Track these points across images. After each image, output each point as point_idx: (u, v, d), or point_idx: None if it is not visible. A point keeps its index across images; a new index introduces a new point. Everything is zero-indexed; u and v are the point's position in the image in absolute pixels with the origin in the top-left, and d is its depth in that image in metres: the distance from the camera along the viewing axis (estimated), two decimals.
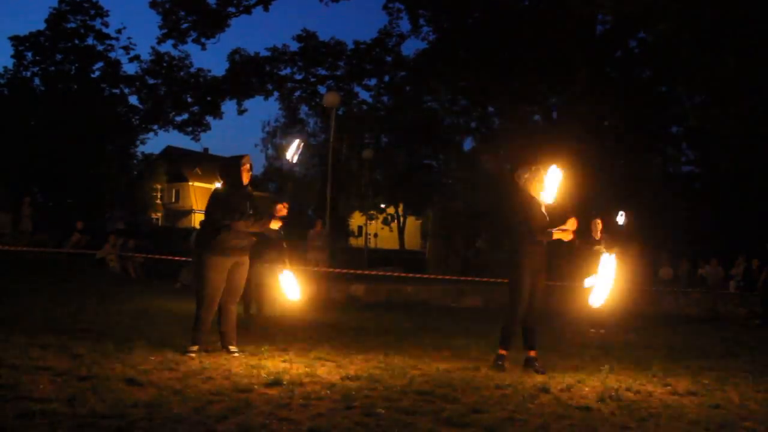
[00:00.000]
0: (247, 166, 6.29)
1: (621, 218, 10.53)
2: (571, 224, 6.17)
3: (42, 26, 28.93)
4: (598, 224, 10.46)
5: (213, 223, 6.14)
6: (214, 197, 6.29)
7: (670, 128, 24.51)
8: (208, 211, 6.28)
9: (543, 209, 6.22)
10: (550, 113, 22.04)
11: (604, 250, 10.17)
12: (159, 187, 51.10)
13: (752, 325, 13.32)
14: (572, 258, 10.46)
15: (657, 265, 19.61)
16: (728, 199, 23.00)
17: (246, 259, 6.32)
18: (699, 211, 24.35)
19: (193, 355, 5.92)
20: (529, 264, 6.14)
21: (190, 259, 11.53)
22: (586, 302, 6.64)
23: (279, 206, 8.05)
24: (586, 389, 5.33)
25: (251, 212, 6.16)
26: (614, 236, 10.40)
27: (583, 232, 10.46)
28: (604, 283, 6.37)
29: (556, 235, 6.12)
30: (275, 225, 6.28)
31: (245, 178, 6.27)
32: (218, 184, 6.71)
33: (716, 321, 14.00)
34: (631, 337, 9.62)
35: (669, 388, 5.58)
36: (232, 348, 6.24)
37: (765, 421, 4.55)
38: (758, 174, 19.46)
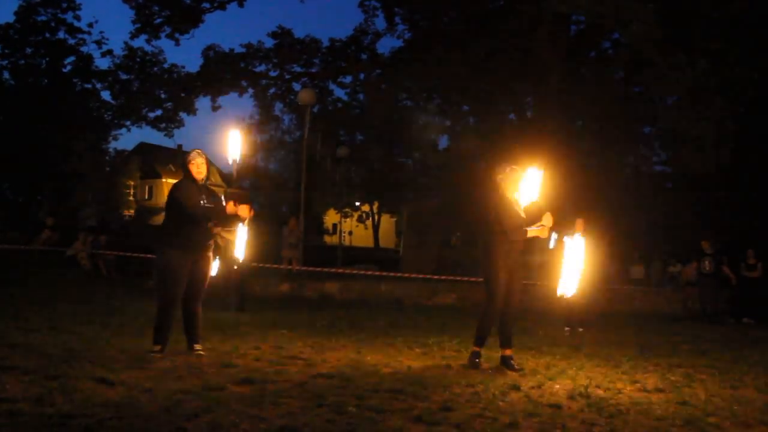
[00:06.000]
0: (198, 160, 6.07)
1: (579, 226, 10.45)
2: (547, 220, 6.14)
3: (11, 19, 28.47)
4: (580, 224, 10.31)
5: (171, 217, 6.04)
6: (170, 192, 6.11)
7: (642, 128, 24.78)
8: (166, 206, 6.17)
9: (518, 208, 6.20)
10: (525, 112, 22.17)
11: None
12: (132, 183, 50.62)
13: (723, 321, 13.57)
14: (551, 256, 10.38)
15: (628, 263, 19.84)
16: (698, 199, 23.30)
17: (207, 256, 6.09)
18: (670, 210, 24.65)
19: (156, 355, 5.79)
20: (504, 263, 6.13)
21: None
22: (558, 294, 6.59)
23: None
24: (557, 387, 5.38)
25: (207, 204, 5.96)
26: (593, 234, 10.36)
27: (561, 231, 10.44)
28: (573, 270, 6.36)
29: (532, 233, 6.14)
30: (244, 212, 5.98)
31: (196, 173, 6.04)
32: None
33: (686, 319, 14.20)
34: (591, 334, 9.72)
35: (638, 385, 5.66)
36: (197, 347, 6.06)
37: (730, 416, 4.63)
38: (728, 174, 19.75)
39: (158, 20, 21.29)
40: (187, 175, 6.06)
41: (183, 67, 23.45)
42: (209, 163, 6.37)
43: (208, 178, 6.24)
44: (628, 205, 23.17)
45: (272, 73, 23.29)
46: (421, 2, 20.96)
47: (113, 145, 33.42)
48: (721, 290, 14.53)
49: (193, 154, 6.11)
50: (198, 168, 6.06)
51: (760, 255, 14.99)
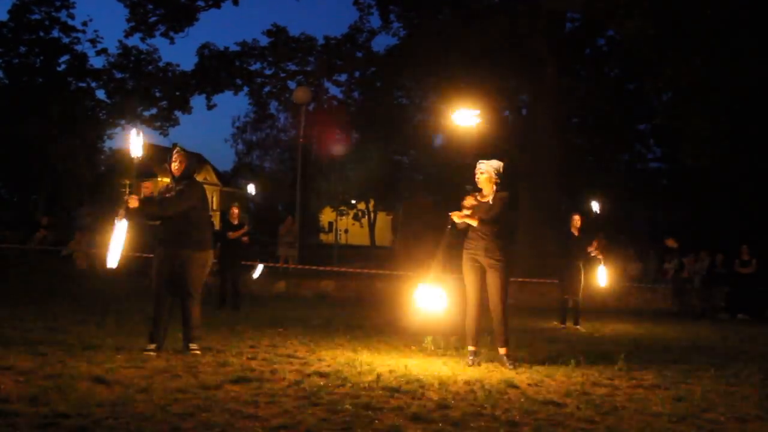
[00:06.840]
0: (174, 156, 6.20)
1: (595, 206, 10.66)
2: (467, 202, 6.24)
3: (5, 17, 28.36)
4: (577, 221, 10.34)
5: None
6: None
7: (637, 125, 24.84)
8: None
9: (478, 202, 6.27)
10: (520, 110, 22.18)
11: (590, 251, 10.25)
12: (127, 182, 50.48)
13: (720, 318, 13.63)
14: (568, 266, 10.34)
15: (625, 260, 19.86)
16: (694, 196, 23.35)
17: (192, 254, 6.01)
18: (666, 207, 24.72)
19: (152, 354, 5.80)
20: (465, 258, 6.29)
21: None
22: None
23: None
24: (553, 384, 5.38)
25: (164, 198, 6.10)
26: (592, 231, 10.44)
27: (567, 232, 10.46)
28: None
29: (459, 218, 6.19)
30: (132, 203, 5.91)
31: (172, 169, 6.17)
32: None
33: (681, 315, 14.24)
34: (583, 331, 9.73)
35: (634, 381, 5.66)
36: (193, 346, 6.06)
37: (726, 412, 4.63)
38: (723, 171, 19.78)
39: (153, 19, 21.24)
40: (170, 172, 6.23)
41: (178, 65, 23.32)
42: (194, 159, 6.40)
43: (187, 172, 6.22)
44: (625, 202, 23.20)
45: (267, 72, 23.25)
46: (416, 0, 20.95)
47: (108, 143, 33.26)
48: (696, 287, 14.83)
49: (173, 151, 6.29)
50: (173, 164, 6.18)
51: (754, 251, 15.05)
